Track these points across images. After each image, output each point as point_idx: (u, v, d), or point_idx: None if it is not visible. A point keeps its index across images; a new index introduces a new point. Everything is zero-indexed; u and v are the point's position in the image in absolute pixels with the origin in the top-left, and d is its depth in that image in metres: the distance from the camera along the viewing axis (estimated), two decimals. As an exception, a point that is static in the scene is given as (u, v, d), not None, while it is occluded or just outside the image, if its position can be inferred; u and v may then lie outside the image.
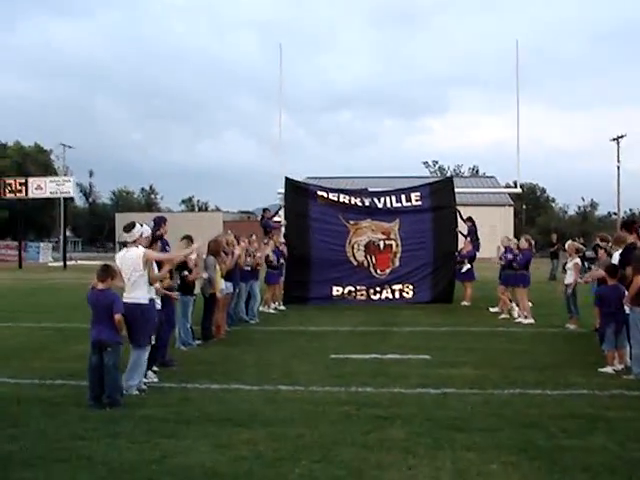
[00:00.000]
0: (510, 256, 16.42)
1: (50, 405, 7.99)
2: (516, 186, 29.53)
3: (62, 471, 5.79)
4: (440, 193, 20.61)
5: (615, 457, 6.17)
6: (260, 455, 6.18)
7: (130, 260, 8.57)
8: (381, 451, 6.30)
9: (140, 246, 8.71)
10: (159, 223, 11.03)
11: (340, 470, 5.80)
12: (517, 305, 16.48)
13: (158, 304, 9.59)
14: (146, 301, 8.64)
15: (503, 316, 16.64)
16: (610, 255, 11.61)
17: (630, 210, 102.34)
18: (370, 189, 22.23)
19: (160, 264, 9.13)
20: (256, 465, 5.92)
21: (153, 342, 8.94)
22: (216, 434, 6.84)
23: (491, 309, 17.89)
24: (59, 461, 6.03)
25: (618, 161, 61.35)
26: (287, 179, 20.98)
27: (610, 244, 12.39)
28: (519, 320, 15.82)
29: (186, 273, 11.56)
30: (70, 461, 6.01)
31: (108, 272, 8.24)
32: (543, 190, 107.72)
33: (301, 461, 6.01)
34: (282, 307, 18.74)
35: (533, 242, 17.09)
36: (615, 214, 75.43)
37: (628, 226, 9.95)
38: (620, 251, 10.48)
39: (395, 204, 20.31)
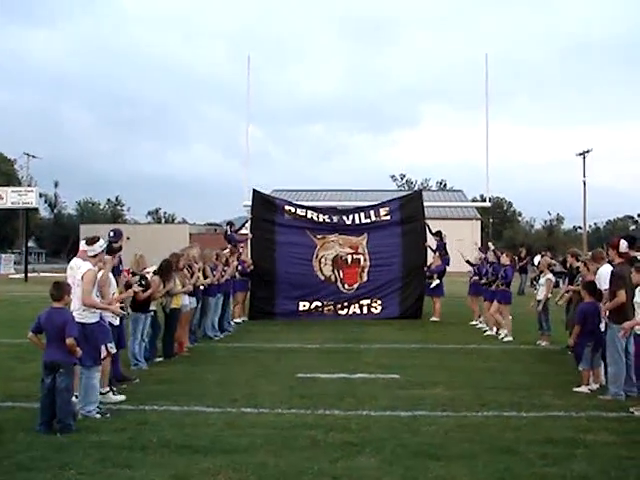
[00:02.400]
0: (484, 270, 16.39)
1: (-4, 430, 7.46)
2: (484, 200, 29.33)
3: (1, 508, 5.31)
4: (409, 206, 20.31)
5: (598, 487, 5.83)
6: (220, 488, 5.73)
7: (79, 272, 8.10)
8: (350, 482, 5.88)
9: (89, 263, 8.23)
10: (118, 235, 10.67)
11: (306, 504, 5.38)
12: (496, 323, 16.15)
13: (116, 320, 9.20)
14: (90, 320, 8.11)
15: (487, 332, 16.34)
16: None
17: (595, 224, 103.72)
18: (338, 204, 21.90)
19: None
20: (215, 499, 5.47)
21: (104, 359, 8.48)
22: (174, 463, 6.39)
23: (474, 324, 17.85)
24: (-1, 496, 5.54)
25: (584, 176, 61.72)
26: (255, 191, 20.54)
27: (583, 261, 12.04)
28: (503, 337, 15.44)
29: (139, 289, 10.91)
30: (11, 496, 5.52)
31: (62, 289, 7.72)
32: (510, 204, 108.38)
33: (264, 494, 5.59)
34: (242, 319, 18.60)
35: (515, 258, 17.04)
36: (580, 228, 76.01)
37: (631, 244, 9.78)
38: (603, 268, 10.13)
39: (364, 220, 19.99)
